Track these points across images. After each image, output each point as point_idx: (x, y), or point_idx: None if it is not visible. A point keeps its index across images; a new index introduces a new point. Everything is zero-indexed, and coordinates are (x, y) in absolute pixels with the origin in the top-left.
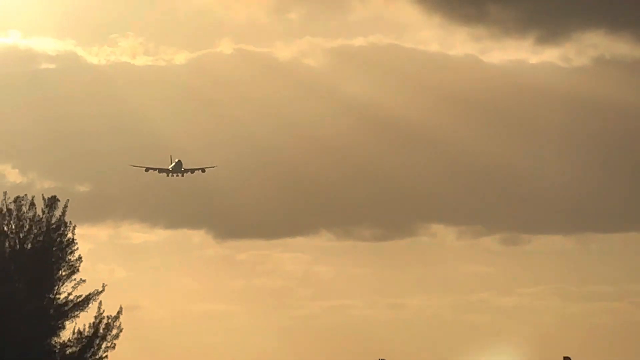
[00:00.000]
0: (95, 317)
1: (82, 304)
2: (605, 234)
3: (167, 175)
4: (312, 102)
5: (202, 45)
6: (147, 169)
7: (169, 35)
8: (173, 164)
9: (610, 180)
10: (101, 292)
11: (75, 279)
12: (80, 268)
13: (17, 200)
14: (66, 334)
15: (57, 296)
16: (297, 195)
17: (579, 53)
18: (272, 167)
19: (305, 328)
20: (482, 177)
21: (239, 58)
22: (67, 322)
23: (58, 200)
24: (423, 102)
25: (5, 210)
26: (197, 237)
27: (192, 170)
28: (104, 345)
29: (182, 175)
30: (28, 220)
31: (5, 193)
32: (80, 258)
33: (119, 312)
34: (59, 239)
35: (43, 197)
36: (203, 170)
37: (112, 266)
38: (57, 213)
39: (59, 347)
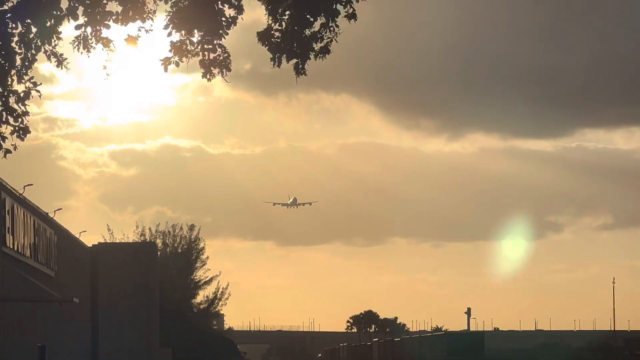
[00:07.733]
0: (216, 289)
1: (208, 281)
2: None
3: (287, 207)
4: None
5: None
6: (274, 204)
7: None
8: (291, 200)
9: None
10: (218, 275)
11: (204, 268)
12: (207, 262)
13: (173, 226)
14: (199, 298)
15: (195, 277)
16: None
17: None
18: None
19: None
20: None
21: None
22: (200, 291)
23: (195, 225)
24: None
25: (167, 231)
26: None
27: (303, 204)
28: (220, 303)
29: (297, 207)
30: (179, 237)
31: (166, 222)
32: (207, 257)
33: (227, 285)
34: (195, 246)
35: (186, 224)
36: (310, 203)
37: (225, 262)
38: (195, 232)
39: (196, 304)
